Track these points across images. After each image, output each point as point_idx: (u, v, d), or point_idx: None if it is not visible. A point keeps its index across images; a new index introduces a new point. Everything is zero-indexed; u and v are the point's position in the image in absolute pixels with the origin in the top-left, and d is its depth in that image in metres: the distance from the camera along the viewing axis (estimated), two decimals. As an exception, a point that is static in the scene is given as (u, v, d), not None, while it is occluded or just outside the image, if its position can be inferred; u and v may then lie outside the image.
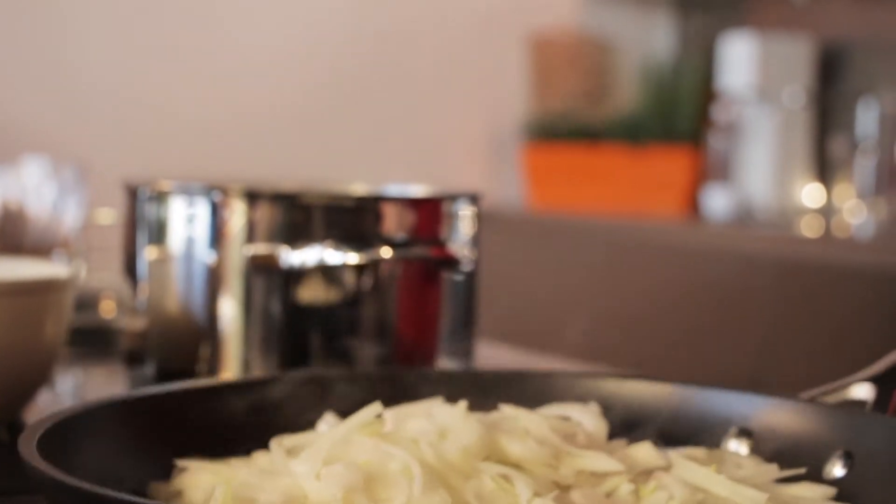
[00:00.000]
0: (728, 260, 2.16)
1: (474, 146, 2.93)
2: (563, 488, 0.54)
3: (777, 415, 0.60)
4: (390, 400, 0.60)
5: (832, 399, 0.60)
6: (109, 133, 2.37)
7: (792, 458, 0.58)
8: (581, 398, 0.64)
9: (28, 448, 0.50)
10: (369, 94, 2.76)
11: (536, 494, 0.51)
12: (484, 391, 0.64)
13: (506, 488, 0.52)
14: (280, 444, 0.58)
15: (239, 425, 0.62)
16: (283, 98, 2.64)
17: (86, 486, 0.46)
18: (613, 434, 0.62)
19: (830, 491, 0.56)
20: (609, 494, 0.53)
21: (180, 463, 0.57)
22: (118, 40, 2.45)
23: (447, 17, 2.85)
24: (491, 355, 1.08)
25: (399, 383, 0.65)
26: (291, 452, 0.57)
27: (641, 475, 0.55)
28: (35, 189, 1.14)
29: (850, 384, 0.60)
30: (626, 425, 0.63)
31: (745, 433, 0.61)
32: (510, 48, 2.94)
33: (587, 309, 2.37)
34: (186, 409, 0.61)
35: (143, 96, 2.45)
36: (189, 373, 0.83)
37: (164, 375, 0.84)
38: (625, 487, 0.53)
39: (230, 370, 0.83)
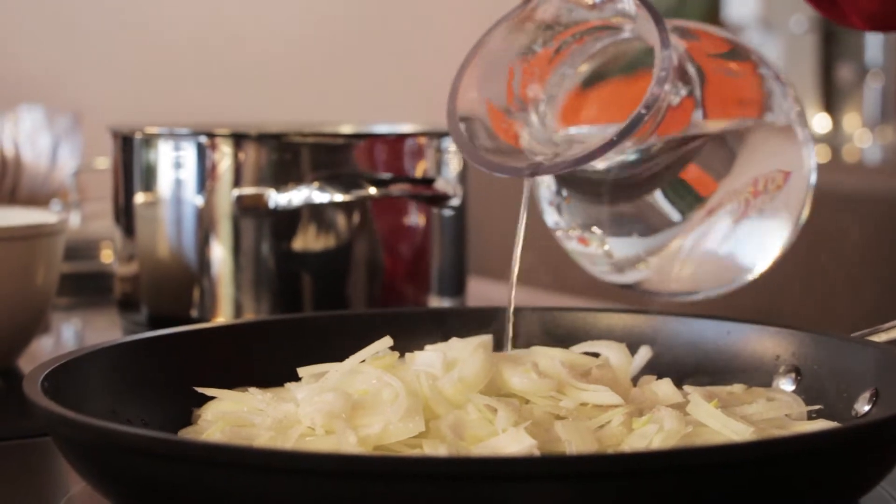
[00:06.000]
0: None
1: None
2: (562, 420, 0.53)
3: (823, 352, 0.59)
4: (431, 338, 0.60)
5: (884, 337, 0.59)
6: (103, 80, 2.37)
7: (832, 394, 0.58)
8: (628, 336, 0.63)
9: (34, 388, 0.49)
10: (366, 35, 2.74)
11: (515, 425, 0.51)
12: (520, 328, 0.64)
13: (490, 419, 0.52)
14: (306, 371, 0.59)
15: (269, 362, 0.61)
16: (280, 41, 2.63)
17: (96, 421, 0.45)
18: (662, 373, 0.61)
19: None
20: (602, 426, 0.53)
21: (201, 390, 0.57)
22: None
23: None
24: (484, 293, 1.08)
25: (439, 322, 0.65)
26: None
27: (648, 409, 0.55)
28: (30, 138, 1.14)
29: None
30: (676, 363, 0.62)
31: (793, 370, 0.60)
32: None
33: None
34: (204, 348, 0.61)
35: (137, 43, 2.44)
36: (182, 317, 0.83)
37: (156, 321, 0.84)
38: (618, 420, 0.53)
39: (222, 314, 0.83)
